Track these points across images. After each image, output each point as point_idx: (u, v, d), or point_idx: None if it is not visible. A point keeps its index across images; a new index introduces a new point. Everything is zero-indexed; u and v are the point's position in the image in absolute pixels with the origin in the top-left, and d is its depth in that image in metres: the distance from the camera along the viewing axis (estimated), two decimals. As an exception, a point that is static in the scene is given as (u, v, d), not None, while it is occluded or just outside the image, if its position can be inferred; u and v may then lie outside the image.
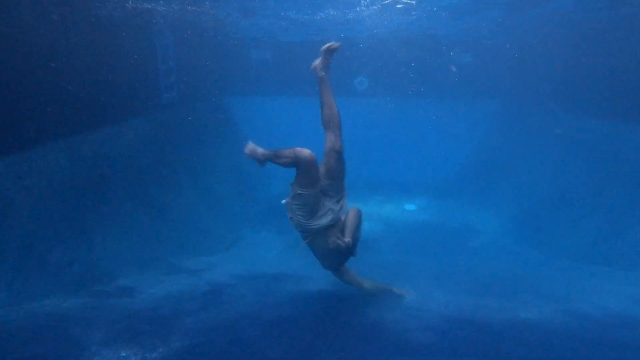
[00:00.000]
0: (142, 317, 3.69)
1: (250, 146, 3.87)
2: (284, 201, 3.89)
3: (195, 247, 7.04)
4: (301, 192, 3.64)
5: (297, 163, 3.56)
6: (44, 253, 4.27)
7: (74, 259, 4.51)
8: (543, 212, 8.94)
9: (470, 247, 8.30)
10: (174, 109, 9.27)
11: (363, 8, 9.22)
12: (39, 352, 2.89)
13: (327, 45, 3.95)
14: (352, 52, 13.78)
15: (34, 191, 4.55)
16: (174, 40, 9.36)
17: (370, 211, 10.27)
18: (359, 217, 3.83)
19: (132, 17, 7.70)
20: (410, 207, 10.90)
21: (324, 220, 3.70)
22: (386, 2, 8.65)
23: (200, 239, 7.45)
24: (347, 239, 3.56)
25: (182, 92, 9.64)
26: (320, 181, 3.70)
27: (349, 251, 3.67)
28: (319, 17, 9.85)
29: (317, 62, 3.95)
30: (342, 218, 3.90)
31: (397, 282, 5.11)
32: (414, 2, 8.69)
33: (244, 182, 10.93)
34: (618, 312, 4.22)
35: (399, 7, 9.07)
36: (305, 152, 3.53)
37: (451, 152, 13.74)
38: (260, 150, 3.82)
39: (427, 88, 14.12)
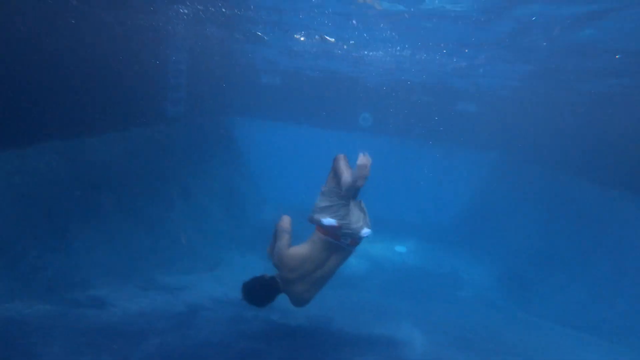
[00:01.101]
0: (109, 332, 3.56)
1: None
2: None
3: (178, 264, 6.90)
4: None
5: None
6: (19, 253, 4.17)
7: (49, 263, 4.41)
8: (531, 270, 8.86)
9: (456, 297, 8.17)
10: (178, 123, 9.35)
11: (371, 53, 9.51)
12: (-9, 359, 2.76)
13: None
14: (358, 88, 14.09)
15: (22, 189, 4.51)
16: (187, 58, 9.58)
17: (359, 248, 10.15)
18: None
19: (147, 29, 7.91)
20: (400, 248, 10.80)
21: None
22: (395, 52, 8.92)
23: (184, 257, 7.32)
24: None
25: (188, 108, 9.77)
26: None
27: None
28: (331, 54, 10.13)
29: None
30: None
31: (379, 324, 5.00)
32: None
33: (236, 203, 10.87)
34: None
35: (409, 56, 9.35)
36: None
37: (447, 199, 13.77)
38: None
39: (430, 132, 14.33)
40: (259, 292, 3.46)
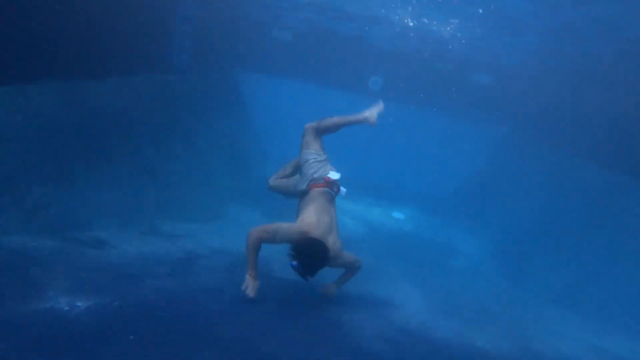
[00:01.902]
0: (108, 272, 3.70)
1: None
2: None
3: (178, 213, 7.03)
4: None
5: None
6: (24, 190, 4.25)
7: (52, 201, 4.50)
8: (525, 247, 8.99)
9: (449, 266, 8.36)
10: (184, 73, 9.18)
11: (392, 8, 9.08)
12: (-5, 286, 2.90)
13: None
14: (371, 49, 13.66)
15: (25, 127, 4.52)
16: (196, 4, 9.23)
17: (357, 212, 10.29)
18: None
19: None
20: (398, 215, 10.93)
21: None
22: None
23: (185, 206, 7.43)
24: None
25: (195, 58, 9.54)
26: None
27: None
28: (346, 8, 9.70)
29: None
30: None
31: (372, 285, 5.17)
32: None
33: (240, 158, 10.89)
34: (571, 358, 4.28)
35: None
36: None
37: (450, 169, 13.72)
38: None
39: (440, 102, 14.05)
40: (318, 257, 3.33)
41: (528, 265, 8.47)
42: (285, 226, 3.59)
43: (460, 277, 7.87)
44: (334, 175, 4.08)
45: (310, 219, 3.62)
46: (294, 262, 3.38)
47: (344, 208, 10.30)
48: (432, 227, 10.46)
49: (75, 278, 3.30)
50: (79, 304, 2.90)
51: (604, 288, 7.21)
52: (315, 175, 3.99)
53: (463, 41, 10.34)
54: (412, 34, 10.65)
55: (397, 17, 9.28)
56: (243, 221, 8.45)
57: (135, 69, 7.20)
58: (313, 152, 4.35)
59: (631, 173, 8.22)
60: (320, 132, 4.52)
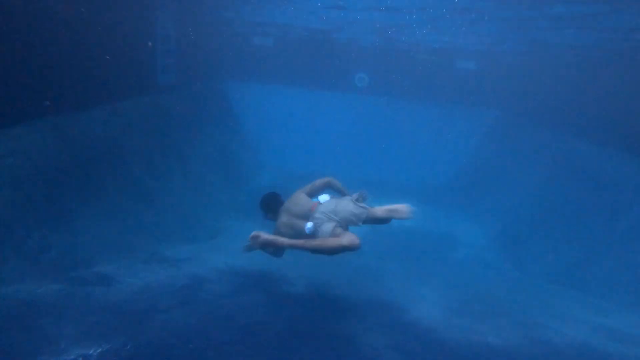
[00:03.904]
0: (116, 311, 3.71)
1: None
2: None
3: (179, 234, 7.04)
4: None
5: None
6: (23, 236, 4.24)
7: (52, 243, 4.50)
8: (526, 230, 9.07)
9: (451, 259, 8.42)
10: (171, 91, 9.15)
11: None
12: (6, 343, 2.90)
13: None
14: (354, 47, 13.65)
15: (17, 170, 4.50)
16: (175, 21, 9.18)
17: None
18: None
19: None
20: (397, 210, 10.96)
21: None
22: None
23: (185, 227, 7.44)
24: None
25: (181, 75, 9.51)
26: None
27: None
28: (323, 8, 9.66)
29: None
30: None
31: (377, 289, 5.21)
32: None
33: (234, 171, 10.90)
34: (579, 342, 4.36)
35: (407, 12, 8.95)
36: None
37: (444, 159, 13.80)
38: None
39: (428, 92, 14.09)
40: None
41: (529, 248, 8.55)
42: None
43: (464, 268, 7.93)
44: (324, 198, 4.11)
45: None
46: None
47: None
48: (431, 219, 10.52)
49: (85, 323, 3.31)
50: (91, 352, 2.91)
51: (606, 266, 7.31)
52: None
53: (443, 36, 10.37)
54: (389, 31, 10.65)
55: (370, 13, 9.27)
56: (244, 235, 8.46)
57: (122, 94, 7.17)
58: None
59: (623, 148, 8.31)
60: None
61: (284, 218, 3.88)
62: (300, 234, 3.63)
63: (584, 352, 4.17)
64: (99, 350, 2.94)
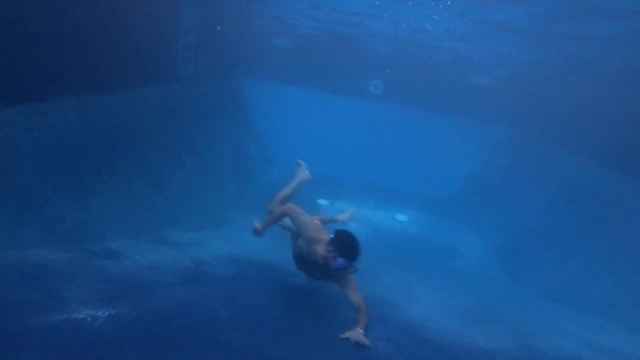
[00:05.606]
0: (122, 282, 3.87)
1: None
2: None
3: (185, 221, 7.21)
4: None
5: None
6: (41, 205, 4.44)
7: (67, 215, 4.69)
8: (528, 246, 9.11)
9: (451, 267, 8.49)
10: (188, 82, 9.38)
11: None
12: (22, 299, 3.08)
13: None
14: (371, 53, 13.84)
15: (40, 144, 4.71)
16: (199, 15, 9.44)
17: (361, 215, 10.43)
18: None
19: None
20: (401, 217, 11.07)
21: None
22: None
23: (192, 214, 7.62)
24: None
25: (199, 67, 9.74)
26: None
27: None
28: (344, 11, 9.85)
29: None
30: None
31: (376, 288, 5.32)
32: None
33: (243, 164, 11.08)
34: (569, 354, 4.42)
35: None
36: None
37: (452, 170, 13.86)
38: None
39: (440, 103, 14.21)
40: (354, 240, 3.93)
41: (530, 264, 8.59)
42: (306, 217, 4.18)
43: (463, 277, 7.99)
44: (323, 202, 4.47)
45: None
46: (339, 260, 3.70)
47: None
48: (435, 228, 10.60)
49: (94, 289, 3.48)
50: (99, 314, 3.07)
51: (606, 285, 7.33)
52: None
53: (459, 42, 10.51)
54: (409, 38, 10.82)
55: (394, 20, 9.43)
56: (248, 227, 8.60)
57: (143, 80, 7.40)
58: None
59: (631, 171, 8.34)
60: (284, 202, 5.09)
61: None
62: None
63: (572, 363, 4.24)
64: (106, 314, 3.09)
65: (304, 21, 11.33)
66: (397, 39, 11.68)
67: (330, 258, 3.73)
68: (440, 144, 14.56)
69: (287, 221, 4.86)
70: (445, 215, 11.53)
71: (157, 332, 3.08)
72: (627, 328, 6.16)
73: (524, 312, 6.19)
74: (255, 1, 9.42)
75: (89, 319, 2.96)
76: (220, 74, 11.78)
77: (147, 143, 7.18)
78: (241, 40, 12.92)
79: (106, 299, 3.35)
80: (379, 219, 10.62)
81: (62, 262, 3.86)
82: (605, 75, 10.06)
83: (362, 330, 3.62)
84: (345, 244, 3.77)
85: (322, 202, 10.41)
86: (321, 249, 3.84)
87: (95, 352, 2.67)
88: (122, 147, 6.33)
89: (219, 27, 8.05)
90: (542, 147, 11.72)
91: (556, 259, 8.35)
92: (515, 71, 12.97)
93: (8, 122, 4.36)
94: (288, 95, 14.79)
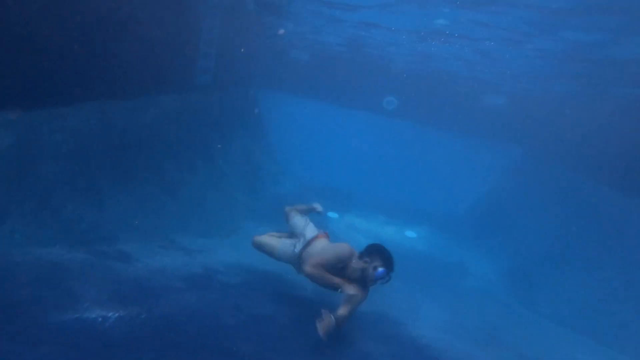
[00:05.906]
0: (133, 284, 3.95)
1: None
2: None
3: (196, 227, 7.31)
4: None
5: None
6: (59, 205, 4.58)
7: (83, 216, 4.82)
8: (538, 269, 8.97)
9: (459, 287, 8.39)
10: (205, 92, 9.60)
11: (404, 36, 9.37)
12: (38, 295, 3.17)
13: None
14: (386, 70, 13.97)
15: (62, 146, 4.88)
16: (219, 26, 9.69)
17: (370, 231, 10.43)
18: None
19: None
20: (410, 234, 11.02)
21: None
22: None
23: (203, 221, 7.72)
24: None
25: (217, 77, 9.97)
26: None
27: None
28: (362, 31, 10.04)
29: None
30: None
31: (382, 304, 5.30)
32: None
33: (256, 175, 11.21)
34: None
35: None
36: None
37: (463, 190, 13.79)
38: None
39: (454, 122, 14.22)
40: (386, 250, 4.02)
41: (539, 288, 8.44)
42: (333, 248, 4.21)
43: (471, 298, 7.89)
44: (333, 214, 4.52)
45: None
46: (380, 269, 3.81)
47: (358, 226, 10.48)
48: (444, 246, 10.52)
49: (106, 290, 3.56)
50: (110, 314, 3.14)
51: (619, 314, 7.16)
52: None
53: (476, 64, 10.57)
54: (426, 56, 10.92)
55: (410, 38, 9.56)
56: (258, 237, 8.71)
57: (162, 89, 7.61)
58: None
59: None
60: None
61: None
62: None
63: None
64: (116, 315, 3.16)
65: (322, 36, 11.55)
66: (413, 56, 11.80)
67: (370, 268, 3.81)
68: (453, 162, 14.54)
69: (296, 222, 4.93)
70: (454, 234, 11.44)
71: (165, 336, 3.13)
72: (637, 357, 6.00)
73: (532, 337, 6.08)
74: (274, 14, 9.66)
75: (100, 319, 3.03)
76: (237, 84, 12.01)
77: (163, 149, 7.35)
78: (259, 52, 13.19)
79: (117, 300, 3.42)
80: (388, 234, 10.59)
81: (76, 262, 3.96)
82: (621, 97, 9.98)
83: (334, 321, 3.61)
84: (386, 255, 3.91)
85: (332, 214, 10.44)
86: (355, 262, 3.91)
87: (106, 353, 2.74)
88: (138, 152, 6.49)
89: (242, 50, 8.25)
90: (555, 169, 11.61)
91: (567, 284, 8.20)
92: (530, 93, 12.95)
93: (34, 125, 4.54)
94: (303, 108, 14.98)
